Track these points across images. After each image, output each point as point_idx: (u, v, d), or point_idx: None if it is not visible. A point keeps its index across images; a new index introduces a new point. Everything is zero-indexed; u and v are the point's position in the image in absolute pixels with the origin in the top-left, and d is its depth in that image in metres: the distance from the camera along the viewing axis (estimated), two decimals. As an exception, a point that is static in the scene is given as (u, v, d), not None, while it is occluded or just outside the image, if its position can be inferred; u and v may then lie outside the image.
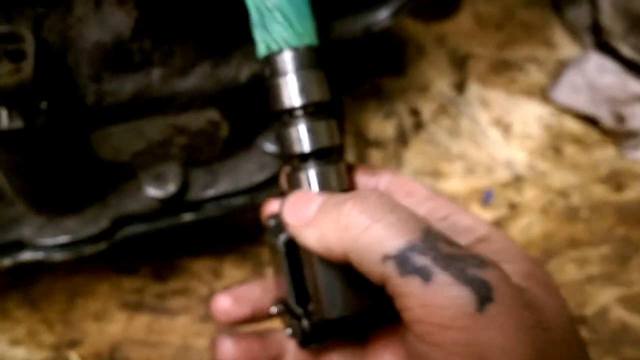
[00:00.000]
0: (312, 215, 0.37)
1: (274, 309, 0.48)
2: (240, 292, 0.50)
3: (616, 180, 0.88)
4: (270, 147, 0.62)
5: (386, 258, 0.32)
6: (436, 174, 0.87)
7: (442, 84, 0.94)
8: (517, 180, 0.87)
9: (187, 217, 0.61)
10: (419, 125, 0.91)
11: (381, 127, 0.90)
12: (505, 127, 0.91)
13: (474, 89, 0.94)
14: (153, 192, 0.58)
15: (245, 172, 0.63)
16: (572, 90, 0.91)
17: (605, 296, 0.79)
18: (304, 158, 0.42)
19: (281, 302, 0.47)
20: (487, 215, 0.83)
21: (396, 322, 0.41)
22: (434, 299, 0.31)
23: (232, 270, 0.76)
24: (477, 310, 0.30)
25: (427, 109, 0.92)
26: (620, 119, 0.88)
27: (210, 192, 0.61)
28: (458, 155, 0.88)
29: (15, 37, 0.46)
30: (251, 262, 0.76)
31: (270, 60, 0.42)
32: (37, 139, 0.49)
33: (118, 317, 0.71)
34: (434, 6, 1.00)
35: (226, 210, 0.63)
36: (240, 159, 0.62)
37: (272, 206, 0.51)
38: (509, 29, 1.00)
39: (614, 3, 0.89)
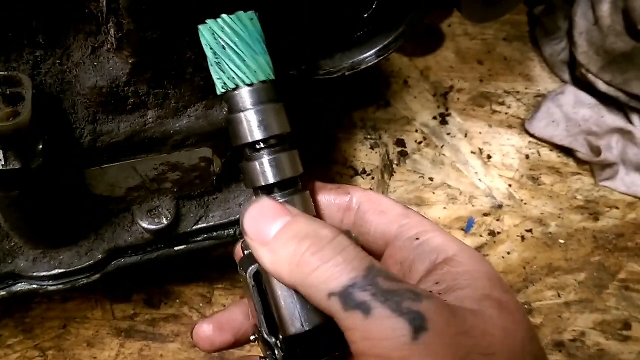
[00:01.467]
0: (271, 238, 0.39)
1: (252, 337, 0.48)
2: (222, 319, 0.50)
3: (593, 209, 0.92)
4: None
5: (331, 295, 0.35)
6: (420, 202, 0.90)
7: (426, 116, 0.98)
8: (497, 209, 0.90)
9: (179, 248, 0.63)
10: (404, 155, 0.94)
11: (368, 157, 0.93)
12: (486, 158, 0.95)
13: (456, 121, 0.98)
14: (146, 225, 0.60)
15: (235, 204, 0.65)
16: (549, 123, 0.95)
17: (582, 322, 0.82)
18: (268, 190, 0.43)
19: (256, 328, 0.47)
20: (468, 242, 0.86)
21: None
22: (374, 332, 0.33)
23: (222, 298, 0.78)
24: (412, 340, 0.32)
25: (411, 140, 0.95)
26: (596, 150, 0.92)
27: (202, 225, 0.64)
28: (441, 184, 0.92)
29: (14, 81, 0.48)
30: (240, 290, 0.78)
31: (228, 98, 0.43)
32: (34, 178, 0.51)
33: (110, 344, 0.73)
34: (419, 42, 1.04)
35: (217, 241, 0.65)
36: (232, 193, 0.65)
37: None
38: (490, 64, 1.04)
39: (590, 41, 0.94)
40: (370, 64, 0.74)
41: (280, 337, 0.42)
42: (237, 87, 0.42)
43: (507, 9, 0.80)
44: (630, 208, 0.92)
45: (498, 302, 0.37)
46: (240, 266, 0.46)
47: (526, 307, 0.82)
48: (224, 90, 0.43)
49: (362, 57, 0.74)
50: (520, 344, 0.36)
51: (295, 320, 0.41)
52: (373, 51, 0.74)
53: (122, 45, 0.47)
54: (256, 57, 0.42)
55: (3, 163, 0.47)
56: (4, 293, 0.60)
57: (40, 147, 0.48)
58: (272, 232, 0.39)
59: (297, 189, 0.44)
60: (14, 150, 0.47)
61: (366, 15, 0.72)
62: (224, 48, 0.42)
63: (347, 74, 0.74)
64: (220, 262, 0.78)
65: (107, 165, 0.55)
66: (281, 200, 0.43)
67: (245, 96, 0.43)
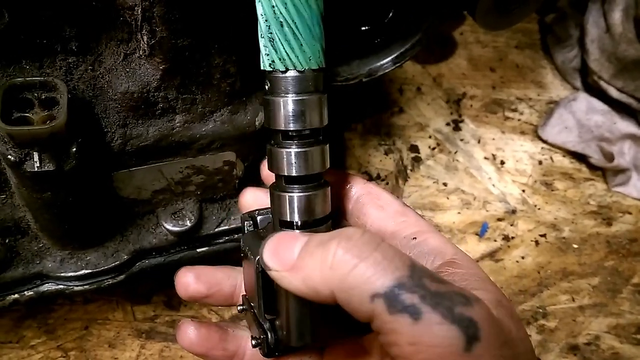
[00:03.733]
0: (295, 258, 0.36)
1: (240, 307, 0.49)
2: (203, 271, 0.51)
3: (606, 214, 0.92)
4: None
5: (375, 296, 0.32)
6: (434, 207, 0.91)
7: (439, 122, 0.99)
8: (511, 214, 0.91)
9: (202, 250, 0.65)
10: (417, 161, 0.95)
11: (382, 162, 0.94)
12: (499, 163, 0.96)
13: (469, 127, 0.99)
14: (170, 227, 0.62)
15: (256, 208, 0.66)
16: (562, 129, 0.96)
17: (597, 326, 0.82)
18: (290, 181, 0.41)
19: (248, 302, 0.47)
20: (483, 247, 0.87)
21: (355, 336, 0.43)
22: (422, 338, 0.31)
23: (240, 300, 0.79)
24: (465, 350, 0.31)
25: (425, 146, 0.96)
26: (609, 156, 0.93)
27: (224, 227, 0.65)
28: (455, 189, 0.93)
29: (49, 85, 0.50)
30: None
31: (272, 77, 0.40)
32: (66, 180, 0.52)
33: (131, 345, 0.74)
34: (431, 49, 1.06)
35: (238, 243, 0.67)
36: (252, 196, 0.66)
37: (249, 195, 0.51)
38: (502, 71, 1.05)
39: (601, 48, 0.95)
40: (386, 71, 0.76)
41: (277, 324, 0.42)
42: (287, 69, 0.39)
43: (521, 17, 0.81)
44: (643, 213, 0.93)
45: (509, 310, 0.37)
46: (244, 242, 0.45)
47: (541, 310, 0.82)
48: (270, 69, 0.39)
49: (379, 64, 0.76)
50: (531, 351, 0.36)
51: (304, 334, 0.41)
52: (389, 58, 0.75)
53: (154, 51, 0.49)
54: (314, 42, 0.39)
55: (38, 165, 0.49)
56: (32, 293, 0.62)
57: (74, 149, 0.50)
58: (294, 253, 0.37)
59: (319, 184, 0.42)
60: (48, 152, 0.49)
61: (383, 23, 0.74)
62: (281, 25, 0.38)
63: (364, 80, 0.75)
64: (240, 264, 0.79)
65: (135, 168, 0.57)
66: (301, 194, 0.41)
67: (292, 81, 0.39)
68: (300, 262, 0.36)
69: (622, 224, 0.92)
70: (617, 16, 0.91)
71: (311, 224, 0.42)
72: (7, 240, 0.59)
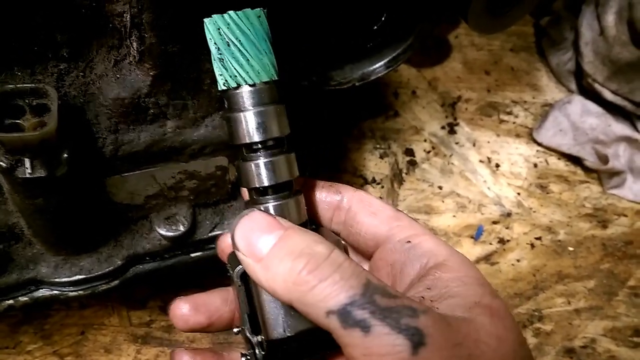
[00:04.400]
0: (265, 254, 0.38)
1: (235, 330, 0.49)
2: (200, 300, 0.50)
3: (601, 217, 0.92)
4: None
5: (329, 313, 0.35)
6: (430, 210, 0.91)
7: (434, 126, 0.99)
8: (506, 217, 0.91)
9: (195, 254, 0.65)
10: (413, 164, 0.95)
11: (378, 166, 0.95)
12: (494, 166, 0.96)
13: (464, 130, 0.99)
14: (164, 232, 0.62)
15: (249, 212, 0.67)
16: (557, 132, 0.97)
17: (593, 328, 0.82)
18: (262, 192, 0.43)
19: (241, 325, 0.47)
20: (478, 250, 0.87)
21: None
22: (373, 348, 0.34)
23: (235, 305, 0.79)
24: (411, 355, 0.33)
25: (420, 149, 0.97)
26: (604, 158, 0.93)
27: (217, 231, 0.65)
28: (450, 193, 0.93)
29: (40, 92, 0.50)
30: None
31: (229, 95, 0.42)
32: (58, 185, 0.53)
33: (127, 350, 0.74)
34: (426, 53, 1.06)
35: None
36: (245, 201, 0.66)
37: (226, 240, 0.51)
38: (497, 74, 1.06)
39: (595, 51, 0.95)
40: (379, 75, 0.76)
41: (262, 338, 0.43)
42: (239, 85, 0.41)
43: (513, 20, 0.81)
44: (639, 215, 0.93)
45: (489, 308, 0.38)
46: (229, 262, 0.46)
47: (536, 314, 0.82)
48: (225, 87, 0.42)
49: (371, 68, 0.76)
50: (512, 350, 0.37)
51: (278, 325, 0.42)
52: (382, 62, 0.76)
53: (144, 58, 0.49)
54: (260, 56, 0.41)
55: (30, 171, 0.49)
56: (26, 298, 0.62)
57: (65, 155, 0.50)
58: (265, 248, 0.39)
59: (291, 192, 0.44)
60: (40, 158, 0.49)
61: (375, 28, 0.74)
62: (228, 45, 0.41)
63: (357, 84, 0.76)
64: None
65: (127, 174, 0.57)
66: (274, 203, 0.43)
67: (246, 96, 0.42)
68: (269, 262, 0.38)
69: (617, 227, 0.92)
70: (610, 19, 0.92)
71: None
72: (1, 246, 0.60)
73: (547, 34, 1.07)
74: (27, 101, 0.50)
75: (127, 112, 0.53)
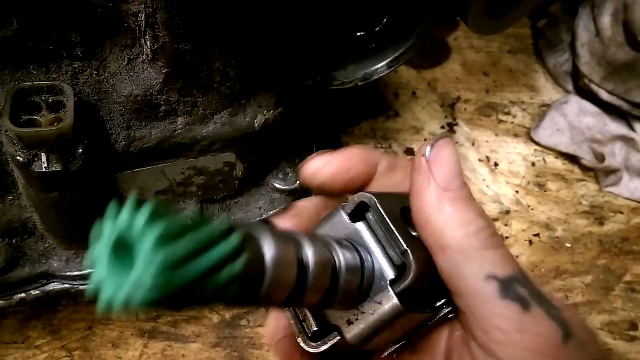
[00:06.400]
0: (456, 190, 0.36)
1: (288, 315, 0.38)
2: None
3: (598, 214, 0.94)
4: (279, 185, 0.69)
5: (490, 277, 0.35)
6: (430, 208, 0.92)
7: (434, 126, 1.01)
8: (505, 214, 0.93)
9: (203, 250, 0.67)
10: (413, 164, 0.97)
11: (378, 165, 0.96)
12: (493, 165, 0.98)
13: (463, 130, 1.01)
14: (173, 227, 0.64)
15: (256, 208, 0.68)
16: (554, 131, 0.98)
17: (590, 323, 0.84)
18: None
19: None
20: (479, 247, 0.89)
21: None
22: (529, 326, 0.34)
23: (240, 300, 0.81)
24: (563, 343, 0.34)
25: (421, 148, 0.98)
26: (600, 157, 0.95)
27: (224, 227, 0.67)
28: (450, 191, 0.95)
29: (56, 90, 0.52)
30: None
31: None
32: (73, 180, 0.54)
33: (134, 344, 0.76)
34: (426, 55, 1.08)
35: (238, 243, 0.68)
36: (252, 196, 0.68)
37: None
38: (496, 75, 1.08)
39: (592, 52, 0.97)
40: (381, 75, 0.78)
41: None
42: None
43: (512, 22, 0.83)
44: (635, 213, 0.94)
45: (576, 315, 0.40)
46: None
47: (535, 308, 0.84)
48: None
49: (373, 68, 0.78)
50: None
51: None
52: (384, 63, 0.78)
53: (157, 56, 0.51)
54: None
55: (46, 165, 0.51)
56: (38, 292, 0.64)
57: (80, 151, 0.52)
58: (458, 183, 0.36)
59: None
60: (56, 153, 0.51)
61: (377, 29, 0.76)
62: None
63: (359, 84, 0.78)
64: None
65: (138, 170, 0.59)
66: None
67: None
68: (456, 201, 0.36)
69: (614, 224, 0.93)
70: (606, 21, 0.94)
71: None
72: (14, 241, 0.61)
73: (544, 36, 1.09)
74: (43, 98, 0.52)
75: (139, 109, 0.55)
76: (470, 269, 0.35)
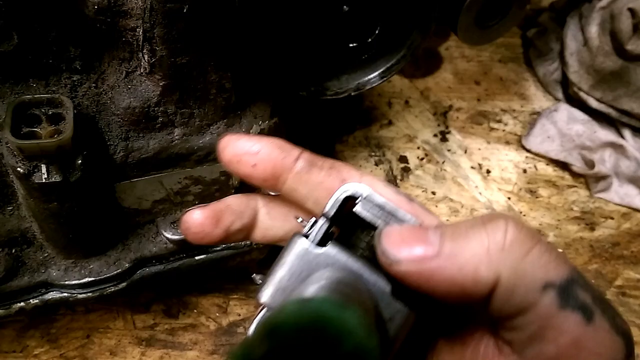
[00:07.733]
0: (438, 244, 0.30)
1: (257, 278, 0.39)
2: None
3: (589, 219, 0.96)
4: (273, 192, 0.70)
5: (548, 286, 0.29)
6: (424, 215, 0.94)
7: (427, 134, 1.03)
8: (498, 221, 0.94)
9: (200, 257, 0.68)
10: (407, 171, 0.99)
11: (373, 172, 0.98)
12: (485, 172, 0.99)
13: (455, 138, 1.03)
14: (170, 235, 0.65)
15: (251, 216, 0.70)
16: (545, 139, 1.00)
17: (582, 327, 0.85)
18: None
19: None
20: (471, 253, 0.90)
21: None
22: (589, 342, 0.29)
23: (237, 307, 0.82)
24: None
25: (414, 156, 1.00)
26: (590, 163, 0.97)
27: (220, 235, 0.68)
28: (443, 198, 0.96)
29: (56, 102, 0.53)
30: (254, 300, 0.82)
31: None
32: (72, 190, 0.55)
33: (132, 352, 0.76)
34: (418, 64, 1.10)
35: (234, 250, 0.70)
36: (248, 205, 0.69)
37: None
38: (487, 84, 1.10)
39: (580, 61, 0.99)
40: (374, 85, 0.80)
41: None
42: None
43: (501, 32, 0.85)
44: (625, 218, 0.96)
45: None
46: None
47: (527, 313, 0.85)
48: None
49: (366, 78, 0.80)
50: None
51: None
52: (376, 73, 0.80)
53: (154, 69, 0.52)
54: None
55: (46, 176, 0.52)
56: (37, 301, 0.64)
57: (79, 162, 0.53)
58: (435, 239, 0.30)
59: None
60: (55, 164, 0.52)
61: (369, 40, 0.78)
62: None
63: (352, 94, 0.79)
64: (235, 273, 0.82)
65: (136, 179, 0.60)
66: None
67: None
68: (452, 246, 0.30)
69: (604, 229, 0.95)
70: (593, 30, 0.96)
71: None
72: (13, 251, 0.62)
73: (534, 45, 1.11)
74: (43, 110, 0.53)
75: (137, 120, 0.56)
76: (524, 285, 0.29)
